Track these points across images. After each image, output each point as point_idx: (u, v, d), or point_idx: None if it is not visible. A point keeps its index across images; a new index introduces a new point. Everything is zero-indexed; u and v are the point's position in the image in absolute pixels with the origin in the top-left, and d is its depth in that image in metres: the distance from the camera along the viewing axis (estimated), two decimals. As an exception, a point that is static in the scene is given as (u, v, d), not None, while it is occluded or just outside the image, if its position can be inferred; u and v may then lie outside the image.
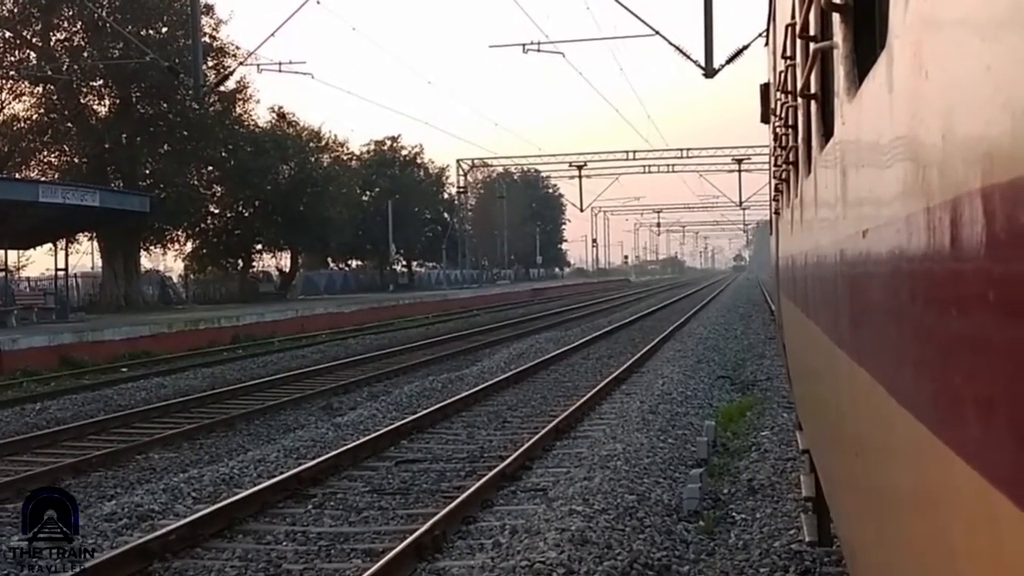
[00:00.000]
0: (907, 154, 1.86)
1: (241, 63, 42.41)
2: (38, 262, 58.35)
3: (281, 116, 57.29)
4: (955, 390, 1.57)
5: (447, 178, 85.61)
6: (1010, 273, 1.27)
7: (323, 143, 61.30)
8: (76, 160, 47.02)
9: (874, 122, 2.30)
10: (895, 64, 1.98)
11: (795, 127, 5.64)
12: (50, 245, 42.21)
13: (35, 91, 46.43)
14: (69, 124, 46.59)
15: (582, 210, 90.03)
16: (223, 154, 51.68)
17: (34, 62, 45.28)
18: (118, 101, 46.95)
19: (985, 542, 1.41)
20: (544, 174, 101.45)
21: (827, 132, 3.75)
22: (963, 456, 1.50)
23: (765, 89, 10.38)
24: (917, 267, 1.81)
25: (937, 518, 1.76)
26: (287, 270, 63.72)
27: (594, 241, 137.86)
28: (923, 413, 1.81)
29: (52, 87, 45.54)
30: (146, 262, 58.35)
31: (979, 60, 1.34)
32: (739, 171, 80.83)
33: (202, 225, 54.44)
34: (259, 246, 59.50)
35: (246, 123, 52.47)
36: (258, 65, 43.20)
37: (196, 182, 51.78)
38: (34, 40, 45.84)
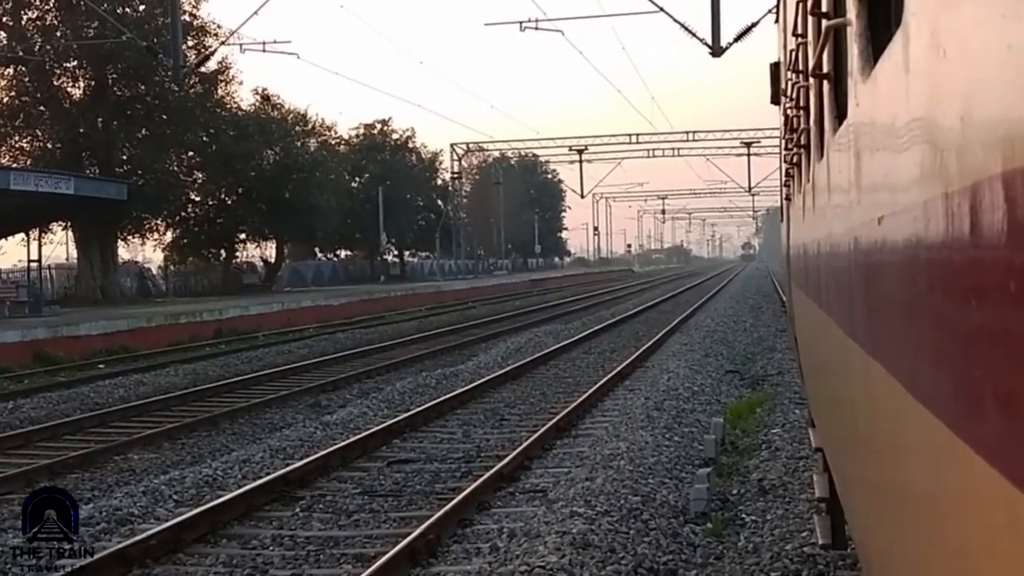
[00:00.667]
0: (924, 137, 1.86)
1: (223, 43, 42.36)
2: (9, 253, 58.60)
3: (265, 99, 57.29)
4: (975, 385, 1.58)
5: (441, 163, 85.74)
6: (1032, 262, 1.27)
7: (310, 127, 61.27)
8: (49, 145, 46.93)
9: (890, 103, 2.30)
10: (911, 42, 1.98)
11: (807, 108, 5.64)
12: (22, 235, 42.16)
13: (5, 73, 46.36)
14: (42, 108, 46.50)
15: (583, 196, 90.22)
16: (204, 139, 51.64)
17: (4, 43, 45.19)
18: (93, 83, 46.86)
19: (1006, 544, 1.41)
20: (543, 159, 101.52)
21: (840, 114, 3.75)
22: (983, 455, 1.50)
23: (775, 68, 10.39)
24: (935, 256, 1.81)
25: (956, 519, 1.77)
26: (272, 261, 63.72)
27: (595, 229, 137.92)
28: (941, 409, 1.81)
29: (24, 69, 45.43)
30: (123, 253, 58.37)
31: (999, 38, 1.34)
32: (748, 155, 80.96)
33: (182, 213, 54.39)
34: (243, 235, 59.49)
35: (228, 106, 52.42)
36: (241, 45, 43.19)
37: (176, 168, 51.71)
38: (4, 19, 45.75)
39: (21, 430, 15.80)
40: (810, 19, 4.95)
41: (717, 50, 27.44)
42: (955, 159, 1.61)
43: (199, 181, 54.96)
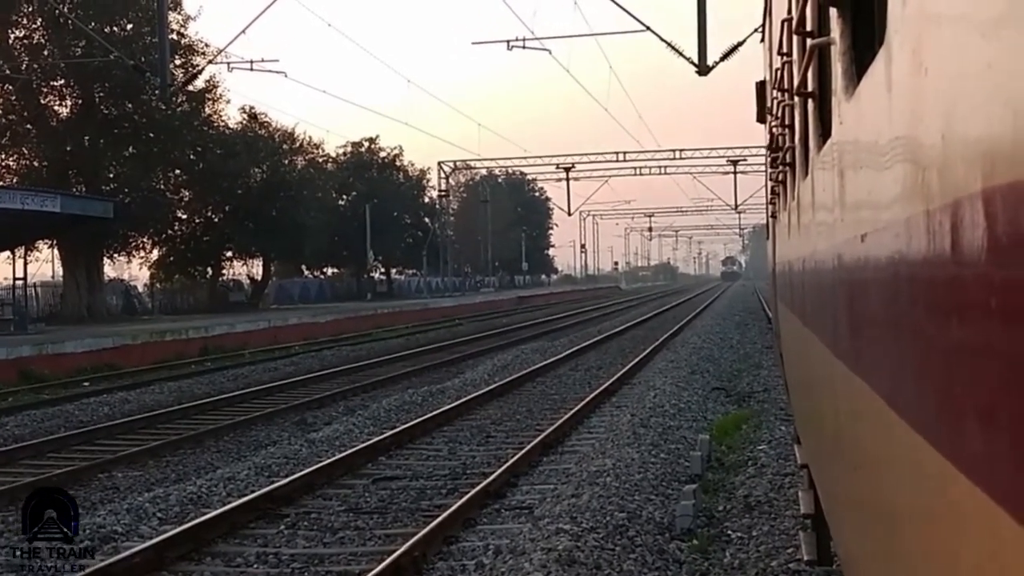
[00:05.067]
0: (906, 155, 1.87)
1: (210, 61, 42.43)
2: (-5, 271, 58.23)
3: (253, 117, 57.25)
4: (955, 401, 1.58)
5: (428, 181, 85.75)
6: (1012, 279, 1.27)
7: (297, 145, 61.22)
8: (36, 163, 46.81)
9: (872, 122, 2.31)
10: (894, 61, 1.99)
11: (792, 127, 5.66)
12: (8, 253, 42.00)
13: (-8, 91, 46.27)
14: (28, 126, 46.40)
15: (570, 214, 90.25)
16: (191, 157, 51.55)
17: (-9, 61, 45.12)
18: (80, 102, 46.77)
19: (986, 559, 1.42)
20: (530, 177, 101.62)
21: (825, 132, 3.77)
22: (964, 470, 1.51)
23: (761, 87, 10.44)
24: (917, 273, 1.82)
25: (938, 535, 1.77)
26: (259, 278, 63.58)
27: (583, 247, 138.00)
28: (923, 425, 1.82)
29: (10, 87, 45.33)
30: (110, 271, 58.16)
31: (980, 57, 1.35)
32: (734, 173, 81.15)
33: (169, 231, 54.28)
34: (229, 253, 59.35)
35: (216, 124, 52.37)
36: (228, 63, 43.13)
37: (163, 186, 51.63)
38: (-9, 38, 45.69)
39: (5, 448, 15.70)
40: (795, 38, 4.98)
41: (703, 69, 27.47)
42: (936, 177, 1.62)
43: (186, 199, 54.85)
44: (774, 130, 7.53)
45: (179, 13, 47.22)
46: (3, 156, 47.31)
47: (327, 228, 62.96)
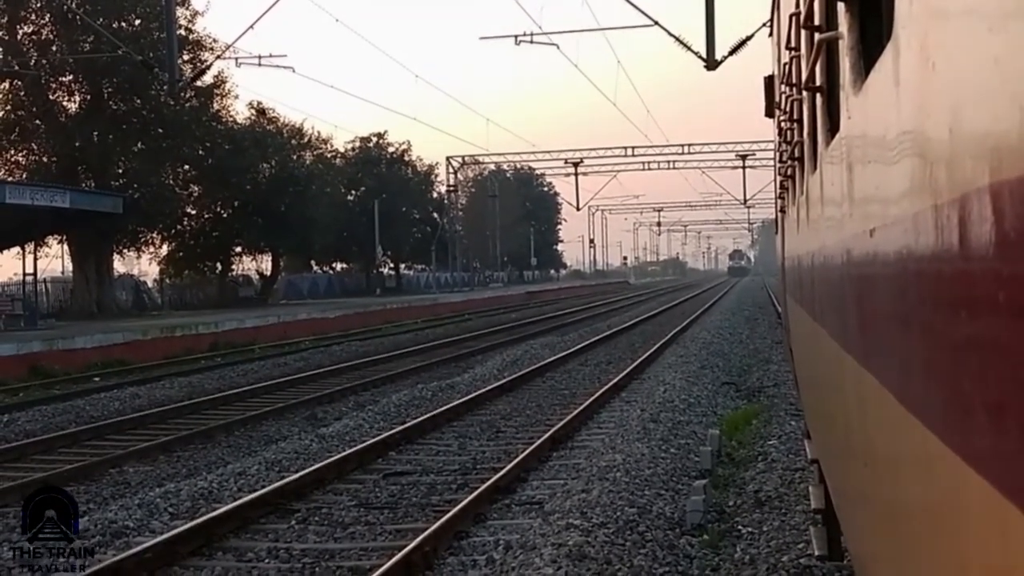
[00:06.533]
0: (914, 149, 1.88)
1: (219, 57, 42.40)
2: (5, 266, 58.63)
3: (261, 112, 57.25)
4: (965, 396, 1.58)
5: (436, 176, 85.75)
6: (1020, 273, 1.28)
7: (305, 140, 61.23)
8: (45, 159, 46.89)
9: (880, 116, 2.31)
10: (902, 55, 1.99)
11: (800, 121, 5.66)
12: (18, 249, 42.12)
13: (1, 87, 46.33)
14: (37, 121, 46.47)
15: (578, 209, 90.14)
16: (200, 152, 51.60)
17: (0, 57, 45.18)
18: (89, 97, 46.84)
19: (997, 554, 1.42)
20: (538, 172, 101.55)
21: (833, 127, 3.77)
22: (973, 465, 1.51)
23: (769, 82, 10.42)
24: (925, 267, 1.82)
25: (949, 530, 1.77)
26: (268, 274, 63.65)
27: (591, 241, 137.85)
28: (932, 420, 1.82)
29: (19, 83, 45.42)
30: (119, 266, 58.43)
31: (987, 51, 1.35)
32: (743, 167, 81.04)
33: (178, 227, 54.31)
34: (238, 248, 59.41)
35: (224, 119, 52.39)
36: (237, 59, 43.28)
37: (172, 182, 51.67)
38: (0, 34, 45.74)
39: (16, 443, 15.76)
40: (803, 33, 4.97)
41: (712, 63, 27.38)
42: (944, 171, 1.62)
43: (195, 194, 54.93)
44: (783, 124, 7.52)
45: (187, 8, 47.26)
46: (12, 152, 47.41)
47: (336, 223, 63.00)
